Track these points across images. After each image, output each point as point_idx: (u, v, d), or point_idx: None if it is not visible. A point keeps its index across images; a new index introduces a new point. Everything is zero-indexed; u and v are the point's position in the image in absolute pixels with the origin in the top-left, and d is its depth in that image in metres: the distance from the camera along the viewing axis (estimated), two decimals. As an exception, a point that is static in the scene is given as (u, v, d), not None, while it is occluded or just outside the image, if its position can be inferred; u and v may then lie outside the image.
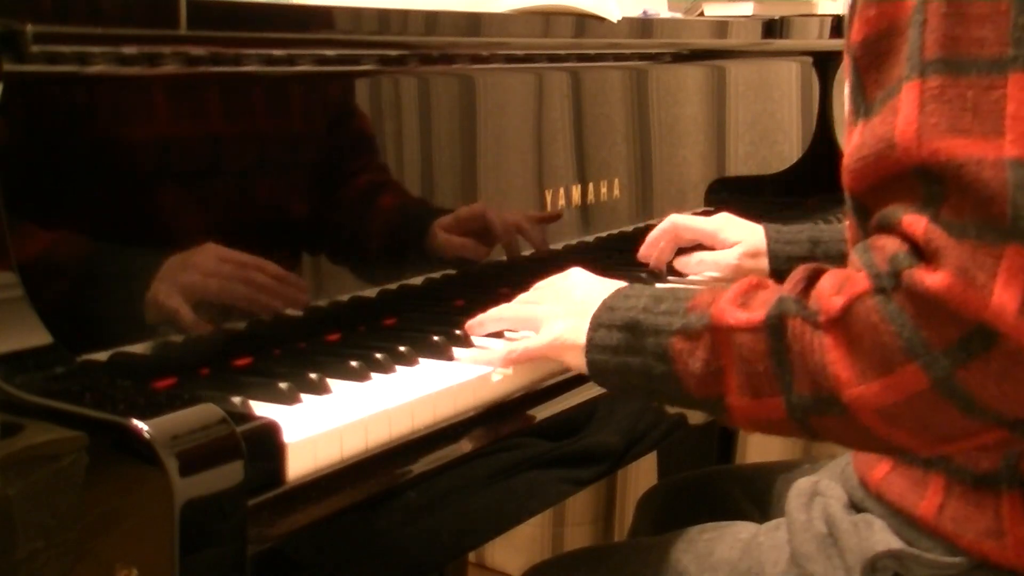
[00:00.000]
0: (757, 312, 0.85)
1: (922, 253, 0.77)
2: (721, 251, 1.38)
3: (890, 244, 0.79)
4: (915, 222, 0.78)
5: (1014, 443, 0.84)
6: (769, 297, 0.86)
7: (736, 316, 0.86)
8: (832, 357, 0.80)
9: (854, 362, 0.79)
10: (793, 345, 0.83)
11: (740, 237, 1.38)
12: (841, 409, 0.81)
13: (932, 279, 0.75)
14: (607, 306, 0.97)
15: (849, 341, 0.80)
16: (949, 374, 0.76)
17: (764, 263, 1.35)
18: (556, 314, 1.03)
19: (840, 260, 1.21)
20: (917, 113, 0.78)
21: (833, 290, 0.81)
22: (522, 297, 1.12)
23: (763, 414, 0.86)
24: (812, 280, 0.84)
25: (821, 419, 0.83)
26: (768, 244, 1.35)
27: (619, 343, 0.94)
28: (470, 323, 1.12)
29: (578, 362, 0.99)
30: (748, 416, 0.87)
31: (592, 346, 0.97)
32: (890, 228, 0.80)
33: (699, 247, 1.41)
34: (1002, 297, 0.73)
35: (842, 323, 0.80)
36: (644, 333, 0.92)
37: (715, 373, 0.87)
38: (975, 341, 0.75)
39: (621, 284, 1.02)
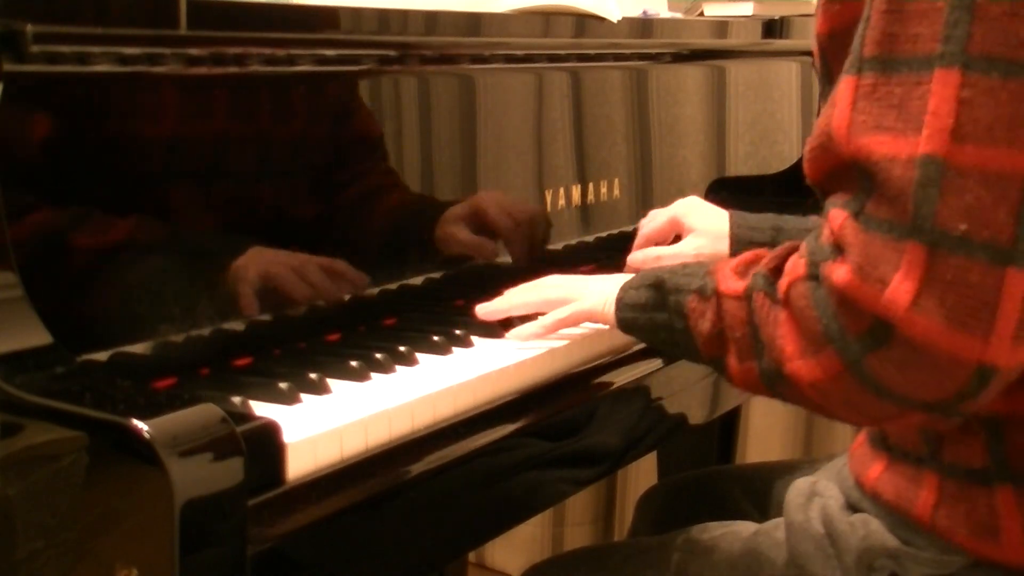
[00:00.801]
0: (743, 282, 0.91)
1: (837, 247, 0.81)
2: (678, 245, 1.35)
3: (824, 234, 0.83)
4: (836, 216, 0.82)
5: (939, 423, 0.88)
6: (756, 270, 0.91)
7: (728, 284, 0.93)
8: (782, 331, 0.86)
9: (796, 338, 0.84)
10: (755, 317, 0.89)
11: (702, 224, 1.35)
12: (784, 380, 0.86)
13: (837, 273, 0.80)
14: (639, 274, 1.06)
15: (793, 319, 0.85)
16: (859, 359, 0.80)
17: (724, 248, 1.33)
18: (588, 286, 1.12)
19: None
20: (850, 110, 0.81)
21: (786, 271, 0.87)
22: (533, 284, 1.17)
23: (747, 377, 0.92)
24: (785, 258, 0.89)
25: (780, 387, 0.88)
26: (731, 229, 1.34)
27: (646, 301, 1.02)
28: (487, 309, 1.15)
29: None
30: (740, 378, 0.93)
31: (622, 305, 1.05)
32: (826, 218, 0.84)
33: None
34: (896, 292, 0.77)
35: (786, 302, 0.85)
36: (667, 291, 0.99)
37: (719, 335, 0.93)
38: (878, 331, 0.78)
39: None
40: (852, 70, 0.81)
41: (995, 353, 0.77)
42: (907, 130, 0.78)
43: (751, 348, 0.90)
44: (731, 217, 1.36)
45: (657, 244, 1.40)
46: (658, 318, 1.01)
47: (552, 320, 1.13)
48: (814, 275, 0.83)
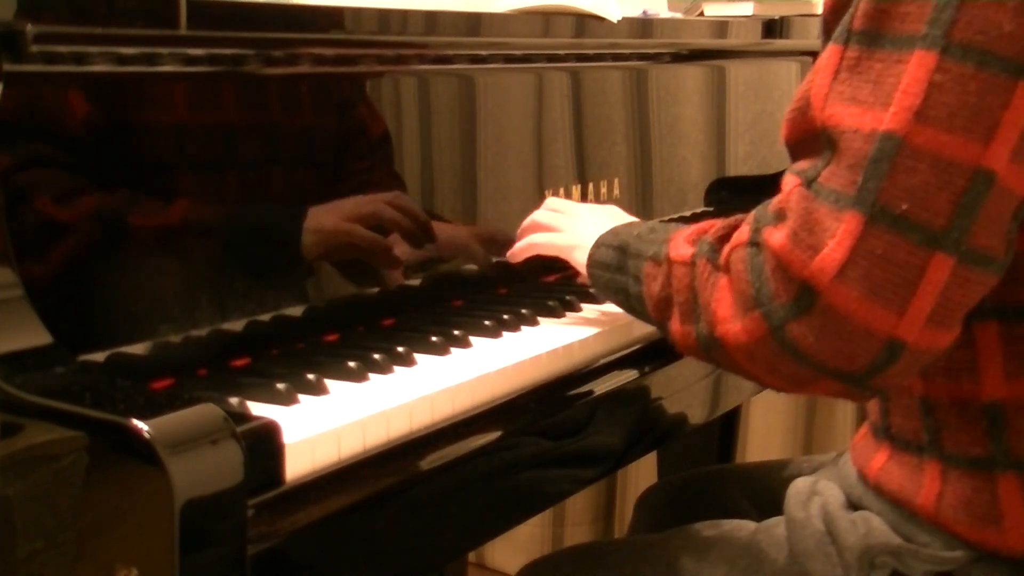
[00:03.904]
0: (692, 249, 0.94)
1: (781, 212, 0.84)
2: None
3: (774, 200, 0.86)
4: (789, 182, 0.85)
5: (856, 396, 0.89)
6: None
7: (678, 251, 0.95)
8: (718, 296, 0.88)
9: (731, 303, 0.87)
10: (697, 282, 0.91)
11: None
12: (717, 343, 0.88)
13: (774, 237, 0.83)
14: (613, 231, 1.09)
15: (729, 284, 0.87)
16: (782, 325, 0.82)
17: None
18: (576, 226, 1.17)
19: None
20: (831, 79, 0.83)
21: (732, 238, 0.89)
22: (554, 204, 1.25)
23: (686, 341, 0.94)
24: (735, 227, 0.91)
25: (713, 351, 0.90)
26: None
27: (611, 261, 1.06)
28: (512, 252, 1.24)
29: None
30: (680, 341, 0.96)
31: (592, 261, 1.09)
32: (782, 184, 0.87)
33: None
34: (824, 259, 0.79)
35: (726, 267, 0.88)
36: (629, 255, 1.03)
37: (666, 299, 0.96)
38: (803, 298, 0.81)
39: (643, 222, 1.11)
40: (839, 40, 0.83)
41: (907, 330, 0.79)
42: (876, 104, 0.79)
43: (691, 313, 0.92)
44: None
45: None
46: (619, 280, 1.04)
47: (527, 243, 1.20)
48: (755, 241, 0.85)
